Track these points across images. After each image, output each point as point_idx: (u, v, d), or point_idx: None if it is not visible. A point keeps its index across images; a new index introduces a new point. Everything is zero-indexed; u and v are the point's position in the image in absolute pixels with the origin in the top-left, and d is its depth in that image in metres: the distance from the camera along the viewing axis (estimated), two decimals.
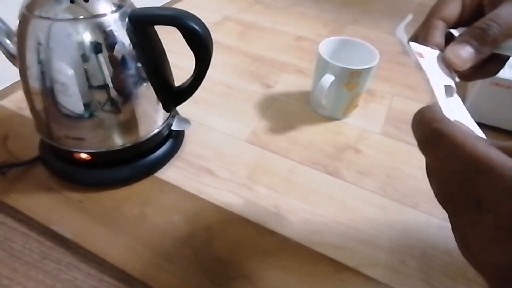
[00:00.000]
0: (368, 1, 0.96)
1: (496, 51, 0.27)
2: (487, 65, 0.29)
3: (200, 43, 0.40)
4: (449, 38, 0.29)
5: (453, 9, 0.30)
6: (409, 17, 0.30)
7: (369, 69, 0.52)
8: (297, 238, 0.41)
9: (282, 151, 0.52)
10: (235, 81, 0.64)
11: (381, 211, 0.45)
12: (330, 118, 0.58)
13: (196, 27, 0.39)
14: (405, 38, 0.30)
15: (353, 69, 0.51)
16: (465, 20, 0.30)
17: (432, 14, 0.30)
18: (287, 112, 0.59)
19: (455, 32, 0.30)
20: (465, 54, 0.26)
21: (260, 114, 0.58)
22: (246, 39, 0.77)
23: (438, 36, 0.29)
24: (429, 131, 0.22)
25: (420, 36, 0.30)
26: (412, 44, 0.28)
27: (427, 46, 0.28)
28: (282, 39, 0.77)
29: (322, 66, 0.53)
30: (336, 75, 0.52)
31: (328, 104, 0.56)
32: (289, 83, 0.65)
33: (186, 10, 0.39)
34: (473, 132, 0.23)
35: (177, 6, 0.81)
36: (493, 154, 0.19)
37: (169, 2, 0.90)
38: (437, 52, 0.28)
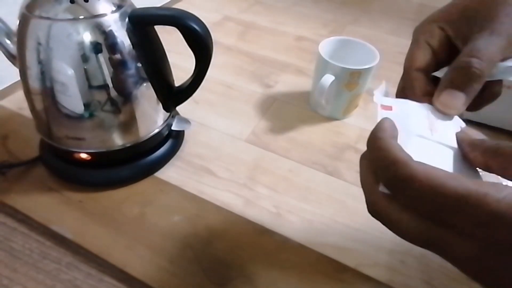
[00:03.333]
0: (368, 1, 0.96)
1: (487, 79, 0.26)
2: (485, 92, 0.27)
3: (200, 43, 0.40)
4: (435, 79, 0.28)
5: (425, 56, 0.29)
6: (383, 84, 0.29)
7: (369, 69, 0.52)
8: (297, 238, 0.41)
9: (282, 151, 0.52)
10: (235, 81, 0.64)
11: None
12: (330, 118, 0.58)
13: (196, 27, 0.39)
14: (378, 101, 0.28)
15: (353, 69, 0.51)
16: (443, 60, 0.29)
17: (408, 67, 0.29)
18: (287, 112, 0.59)
19: (440, 74, 0.29)
20: (454, 100, 0.25)
21: (260, 114, 0.58)
22: (246, 39, 0.77)
23: (423, 86, 0.28)
24: (396, 175, 0.21)
25: (406, 92, 0.29)
26: (382, 99, 0.27)
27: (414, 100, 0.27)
28: (282, 39, 0.77)
29: (322, 66, 0.53)
30: (336, 75, 0.52)
31: (328, 104, 0.56)
32: (289, 83, 0.65)
33: (186, 10, 0.39)
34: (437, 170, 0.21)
35: (177, 6, 0.81)
36: (464, 188, 0.19)
37: (169, 2, 0.90)
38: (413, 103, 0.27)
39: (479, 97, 0.26)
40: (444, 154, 0.24)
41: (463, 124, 0.26)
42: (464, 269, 0.21)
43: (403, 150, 0.21)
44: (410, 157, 0.21)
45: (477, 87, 0.25)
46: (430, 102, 0.27)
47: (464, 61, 0.25)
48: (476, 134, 0.25)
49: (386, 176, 0.21)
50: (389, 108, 0.26)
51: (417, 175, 0.20)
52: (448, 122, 0.26)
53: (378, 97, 0.27)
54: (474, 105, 0.27)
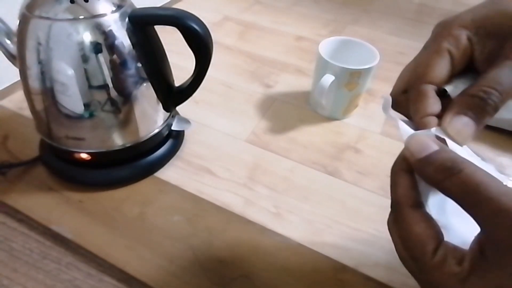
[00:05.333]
0: (368, 1, 0.96)
1: None
2: None
3: (200, 43, 0.40)
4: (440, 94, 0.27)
5: (443, 67, 0.26)
6: (388, 98, 0.28)
7: (369, 69, 0.52)
8: (297, 238, 0.41)
9: (282, 151, 0.52)
10: (235, 81, 0.64)
11: (381, 211, 0.45)
12: (330, 118, 0.58)
13: (196, 27, 0.39)
14: (396, 118, 0.28)
15: (353, 69, 0.51)
16: (454, 75, 0.27)
17: (420, 78, 0.27)
18: (287, 112, 0.59)
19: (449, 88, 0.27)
20: (465, 128, 0.24)
21: (260, 114, 0.58)
22: (246, 39, 0.77)
23: (432, 105, 0.26)
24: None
25: (413, 108, 0.27)
26: (404, 128, 0.26)
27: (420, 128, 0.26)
28: (282, 39, 0.77)
29: (322, 66, 0.53)
30: (336, 75, 0.52)
31: (328, 104, 0.56)
32: (289, 83, 0.65)
33: (186, 10, 0.39)
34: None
35: (177, 6, 0.81)
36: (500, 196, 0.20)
37: (169, 2, 0.90)
38: (431, 132, 0.25)
39: None
40: None
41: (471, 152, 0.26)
42: None
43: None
44: (408, 202, 0.24)
45: (487, 120, 0.24)
46: (433, 123, 0.25)
47: (483, 91, 0.23)
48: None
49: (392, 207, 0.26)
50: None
51: (404, 216, 0.24)
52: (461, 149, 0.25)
53: (390, 114, 0.27)
54: None
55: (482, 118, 0.24)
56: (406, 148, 0.25)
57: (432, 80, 0.26)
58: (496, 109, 0.24)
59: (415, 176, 0.25)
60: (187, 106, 0.49)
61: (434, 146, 0.23)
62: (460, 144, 0.24)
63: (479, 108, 0.24)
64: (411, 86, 0.27)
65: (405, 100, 0.28)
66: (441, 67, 0.26)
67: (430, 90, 0.26)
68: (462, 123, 0.24)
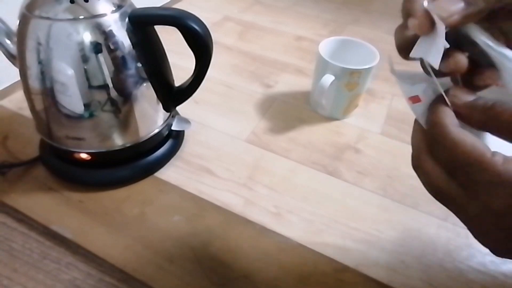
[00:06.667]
0: (368, 1, 0.96)
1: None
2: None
3: (200, 43, 0.40)
4: None
5: None
6: (389, 58, 0.28)
7: (369, 69, 0.52)
8: (297, 238, 0.41)
9: (282, 151, 0.52)
10: (235, 81, 0.64)
11: (381, 211, 0.45)
12: (330, 118, 0.58)
13: (196, 27, 0.39)
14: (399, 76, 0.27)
15: (353, 69, 0.51)
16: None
17: None
18: (287, 112, 0.59)
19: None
20: (450, 3, 0.22)
21: (260, 114, 0.58)
22: (246, 39, 0.77)
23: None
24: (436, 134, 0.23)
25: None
26: (408, 88, 0.26)
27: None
28: (282, 39, 0.77)
29: (322, 66, 0.53)
30: (336, 75, 0.52)
31: (328, 104, 0.56)
32: (289, 83, 0.65)
33: (186, 10, 0.39)
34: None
35: (177, 6, 0.81)
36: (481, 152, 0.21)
37: (169, 2, 0.90)
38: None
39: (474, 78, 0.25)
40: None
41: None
42: (470, 228, 0.23)
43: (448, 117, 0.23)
44: (452, 123, 0.22)
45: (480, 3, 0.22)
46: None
47: None
48: (466, 94, 0.24)
49: (430, 131, 0.24)
50: (417, 99, 0.25)
51: (450, 134, 0.22)
52: None
53: (405, 88, 0.26)
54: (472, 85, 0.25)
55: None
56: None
57: None
58: None
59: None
60: (187, 106, 0.49)
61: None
62: (446, 20, 0.22)
63: None
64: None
65: None
66: None
67: None
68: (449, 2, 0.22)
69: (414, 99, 0.26)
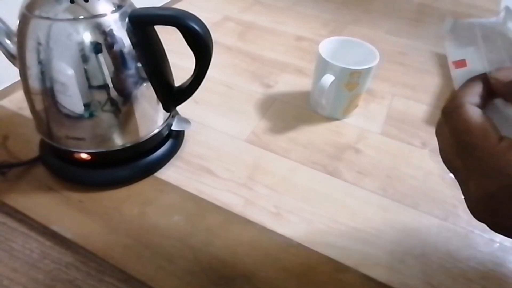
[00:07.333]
0: (368, 1, 0.96)
1: None
2: None
3: (200, 43, 0.40)
4: None
5: None
6: (449, 22, 0.28)
7: (369, 69, 0.52)
8: (297, 238, 0.41)
9: (282, 151, 0.52)
10: (235, 81, 0.64)
11: (381, 211, 0.45)
12: (330, 118, 0.58)
13: (196, 27, 0.39)
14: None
15: (353, 69, 0.51)
16: None
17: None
18: (287, 112, 0.59)
19: None
20: None
21: (260, 114, 0.58)
22: (246, 39, 0.77)
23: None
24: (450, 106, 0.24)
25: None
26: (453, 53, 0.25)
27: None
28: (282, 39, 0.77)
29: (322, 66, 0.53)
30: (336, 75, 0.52)
31: (328, 104, 0.56)
32: (289, 83, 0.65)
33: (186, 10, 0.39)
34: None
35: (177, 6, 0.81)
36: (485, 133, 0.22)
37: (169, 2, 0.90)
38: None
39: None
40: None
41: None
42: (465, 199, 0.25)
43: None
44: (471, 101, 0.24)
45: None
46: None
47: None
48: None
49: (449, 104, 0.25)
50: (463, 63, 0.25)
51: (464, 113, 0.23)
52: None
53: (451, 52, 0.26)
54: None
55: None
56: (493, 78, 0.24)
57: None
58: None
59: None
60: (187, 106, 0.49)
61: None
62: None
63: None
64: None
65: None
66: None
67: None
68: None
69: (459, 63, 0.25)
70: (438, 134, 0.26)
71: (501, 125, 0.23)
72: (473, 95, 0.24)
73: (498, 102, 0.25)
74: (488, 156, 0.22)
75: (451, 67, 0.26)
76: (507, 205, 0.22)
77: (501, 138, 0.22)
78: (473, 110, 0.23)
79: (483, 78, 0.25)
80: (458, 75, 0.25)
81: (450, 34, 0.26)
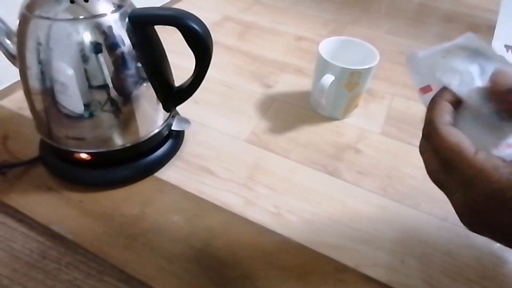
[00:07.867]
0: (368, 1, 0.96)
1: None
2: None
3: (200, 43, 0.40)
4: None
5: None
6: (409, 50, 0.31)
7: (369, 69, 0.52)
8: (297, 238, 0.41)
9: (282, 151, 0.52)
10: (235, 81, 0.64)
11: (381, 211, 0.45)
12: (330, 118, 0.58)
13: (196, 27, 0.39)
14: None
15: (353, 69, 0.51)
16: None
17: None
18: (287, 112, 0.59)
19: None
20: None
21: (260, 114, 0.58)
22: (246, 39, 0.77)
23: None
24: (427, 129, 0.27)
25: None
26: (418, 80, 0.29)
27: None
28: (282, 39, 0.77)
29: (322, 66, 0.53)
30: (336, 75, 0.52)
31: (328, 104, 0.56)
32: (289, 83, 0.65)
33: (186, 10, 0.39)
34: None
35: (177, 6, 0.81)
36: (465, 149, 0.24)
37: (169, 2, 0.90)
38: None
39: None
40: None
41: None
42: (455, 209, 0.26)
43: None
44: (444, 121, 0.26)
45: None
46: None
47: None
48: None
49: (425, 127, 0.28)
50: (428, 89, 0.28)
51: (440, 133, 0.26)
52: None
53: (416, 80, 0.29)
54: None
55: None
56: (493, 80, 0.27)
57: None
58: None
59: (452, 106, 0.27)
60: (187, 106, 0.49)
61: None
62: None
63: None
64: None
65: None
66: None
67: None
68: None
69: (425, 90, 0.28)
70: (422, 153, 0.28)
71: (472, 133, 0.26)
72: (442, 115, 0.26)
73: (465, 112, 0.27)
74: (467, 167, 0.24)
75: (419, 94, 0.29)
76: (494, 210, 0.24)
77: (477, 152, 0.24)
78: (446, 129, 0.26)
79: (444, 93, 0.27)
80: (428, 100, 0.28)
81: (412, 66, 0.30)
